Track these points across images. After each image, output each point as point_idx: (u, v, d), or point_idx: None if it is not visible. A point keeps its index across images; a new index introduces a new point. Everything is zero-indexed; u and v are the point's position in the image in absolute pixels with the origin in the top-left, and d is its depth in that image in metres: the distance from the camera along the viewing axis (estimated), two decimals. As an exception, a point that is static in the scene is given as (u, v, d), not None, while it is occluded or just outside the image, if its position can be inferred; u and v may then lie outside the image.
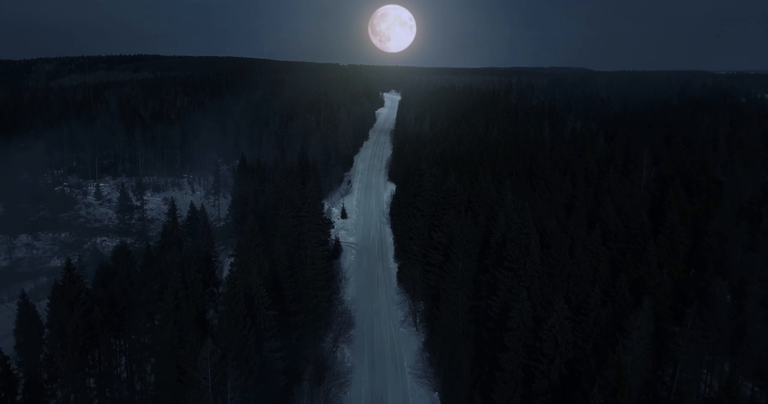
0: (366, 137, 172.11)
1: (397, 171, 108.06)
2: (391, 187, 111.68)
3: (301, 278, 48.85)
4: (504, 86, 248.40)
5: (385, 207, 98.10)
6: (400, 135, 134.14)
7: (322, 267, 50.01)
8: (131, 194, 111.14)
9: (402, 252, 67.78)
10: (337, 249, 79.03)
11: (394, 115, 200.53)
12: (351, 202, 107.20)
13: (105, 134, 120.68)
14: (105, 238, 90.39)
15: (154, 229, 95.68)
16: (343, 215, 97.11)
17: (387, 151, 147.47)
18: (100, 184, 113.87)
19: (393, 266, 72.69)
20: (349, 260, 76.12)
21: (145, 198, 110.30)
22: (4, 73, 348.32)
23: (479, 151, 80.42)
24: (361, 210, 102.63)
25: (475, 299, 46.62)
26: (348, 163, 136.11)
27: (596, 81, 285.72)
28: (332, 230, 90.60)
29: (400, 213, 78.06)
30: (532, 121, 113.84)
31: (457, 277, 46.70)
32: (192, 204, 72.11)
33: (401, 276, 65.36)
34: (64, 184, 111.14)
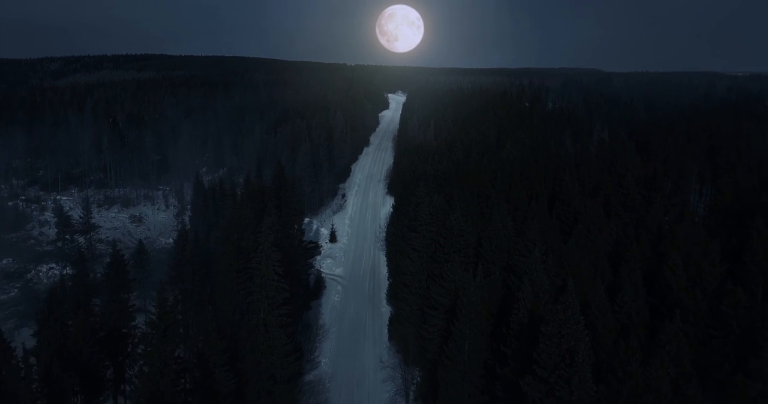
0: (367, 143, 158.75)
1: (396, 184, 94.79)
2: (391, 201, 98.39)
3: (247, 358, 35.71)
4: (516, 88, 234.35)
5: (382, 226, 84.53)
6: (401, 143, 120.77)
7: (279, 338, 36.72)
8: (93, 210, 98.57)
9: (394, 299, 54.47)
10: (318, 286, 65.87)
11: (398, 118, 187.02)
12: (343, 221, 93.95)
13: (69, 140, 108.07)
14: (54, 266, 77.70)
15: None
16: (332, 238, 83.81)
17: (389, 159, 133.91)
18: (63, 198, 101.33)
19: (386, 310, 59.33)
20: (331, 301, 62.84)
21: (112, 214, 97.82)
22: (9, 71, 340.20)
23: (491, 169, 66.90)
24: (354, 230, 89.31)
25: (486, 394, 33.28)
26: (344, 173, 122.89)
27: (612, 82, 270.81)
28: (317, 258, 77.60)
29: (394, 242, 64.72)
30: (551, 129, 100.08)
31: (462, 361, 33.39)
32: (140, 243, 59.00)
33: (393, 331, 52.01)
34: (21, 197, 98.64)
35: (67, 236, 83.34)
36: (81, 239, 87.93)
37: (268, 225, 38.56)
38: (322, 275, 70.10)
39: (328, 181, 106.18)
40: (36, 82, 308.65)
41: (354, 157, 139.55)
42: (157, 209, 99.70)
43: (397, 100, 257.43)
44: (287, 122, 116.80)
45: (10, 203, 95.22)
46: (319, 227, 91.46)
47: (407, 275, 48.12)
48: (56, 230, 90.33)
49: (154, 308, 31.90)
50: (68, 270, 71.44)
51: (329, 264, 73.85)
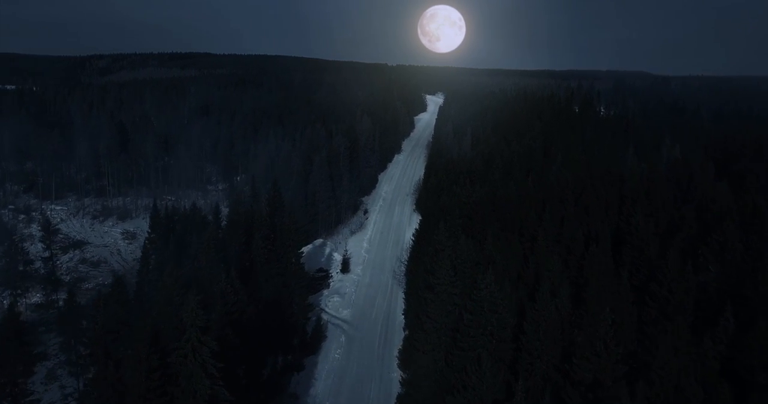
0: (398, 149, 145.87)
1: (424, 202, 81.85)
2: (418, 221, 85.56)
3: None
4: (563, 90, 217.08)
5: (404, 254, 71.64)
6: (433, 154, 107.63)
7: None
8: (87, 222, 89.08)
9: (408, 363, 41.68)
10: (317, 335, 53.57)
11: (435, 122, 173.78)
12: (360, 244, 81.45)
13: (72, 143, 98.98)
14: (28, 291, 67.77)
15: (95, 278, 72.76)
16: (345, 267, 71.34)
17: (420, 168, 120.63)
18: (57, 207, 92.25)
19: (396, 376, 46.55)
20: (330, 358, 50.42)
21: (105, 228, 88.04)
22: (60, 69, 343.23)
23: (538, 196, 53.32)
24: (372, 257, 76.71)
25: None
26: (369, 185, 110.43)
27: (669, 87, 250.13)
28: (323, 293, 65.44)
29: (414, 281, 51.87)
30: (608, 141, 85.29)
31: None
32: (118, 280, 47.50)
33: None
34: (9, 206, 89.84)
35: (46, 254, 73.42)
36: (66, 257, 78.49)
37: (194, 304, 26.18)
38: (324, 319, 57.88)
39: (349, 195, 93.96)
40: (84, 79, 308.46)
41: (383, 165, 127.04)
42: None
43: (436, 102, 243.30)
44: (307, 127, 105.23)
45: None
46: (332, 251, 79.34)
47: (419, 350, 35.35)
48: (41, 246, 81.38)
49: None
50: (27, 299, 61.58)
51: (335, 303, 61.47)
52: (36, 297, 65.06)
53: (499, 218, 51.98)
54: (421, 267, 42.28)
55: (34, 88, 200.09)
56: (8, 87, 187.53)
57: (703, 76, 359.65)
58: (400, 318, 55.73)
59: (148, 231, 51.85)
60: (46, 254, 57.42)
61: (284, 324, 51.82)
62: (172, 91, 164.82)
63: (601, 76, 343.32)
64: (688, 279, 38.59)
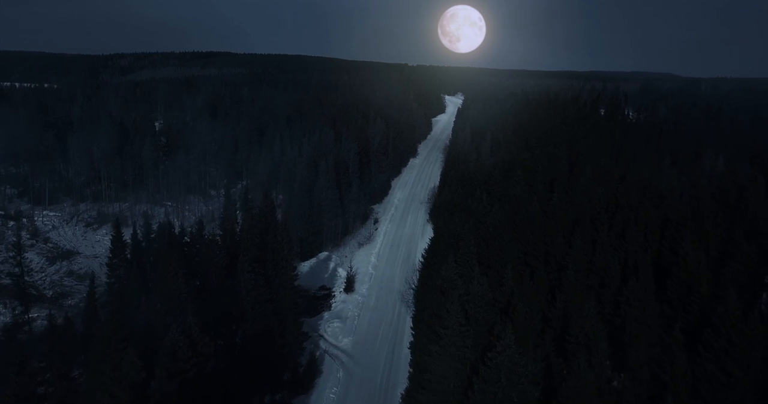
0: (414, 153, 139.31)
1: (437, 216, 75.30)
2: (431, 231, 78.98)
3: None
4: (587, 92, 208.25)
5: (415, 271, 65.14)
6: (449, 160, 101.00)
7: None
8: (80, 230, 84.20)
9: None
10: (311, 371, 47.35)
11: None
12: (368, 258, 75.20)
13: (69, 142, 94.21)
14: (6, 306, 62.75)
15: (80, 293, 67.38)
16: (349, 286, 65.04)
17: (436, 174, 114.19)
18: (50, 213, 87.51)
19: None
20: (325, 399, 44.18)
21: (98, 237, 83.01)
22: (83, 67, 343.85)
23: (565, 218, 46.50)
24: (380, 274, 70.35)
25: None
26: (381, 191, 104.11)
27: (700, 89, 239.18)
28: (323, 316, 59.29)
29: (420, 316, 45.40)
30: (641, 151, 77.79)
31: None
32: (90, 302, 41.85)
33: None
34: (0, 212, 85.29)
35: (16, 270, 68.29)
36: (52, 269, 73.54)
37: (129, 366, 20.05)
38: (322, 348, 51.75)
39: (357, 204, 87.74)
40: (106, 78, 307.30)
41: (396, 170, 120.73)
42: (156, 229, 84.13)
43: (455, 103, 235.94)
44: (316, 131, 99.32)
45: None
46: (337, 266, 73.22)
47: (425, 389, 28.91)
48: (46, 256, 76.81)
49: None
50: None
51: (335, 330, 55.21)
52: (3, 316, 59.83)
53: (521, 241, 45.32)
54: (428, 307, 35.78)
55: (48, 86, 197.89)
56: (17, 85, 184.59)
57: (733, 78, 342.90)
58: (407, 352, 49.26)
59: (108, 257, 45.98)
60: (16, 270, 51.96)
61: (273, 356, 45.83)
62: (182, 91, 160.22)
63: (626, 78, 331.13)
64: (752, 328, 31.69)
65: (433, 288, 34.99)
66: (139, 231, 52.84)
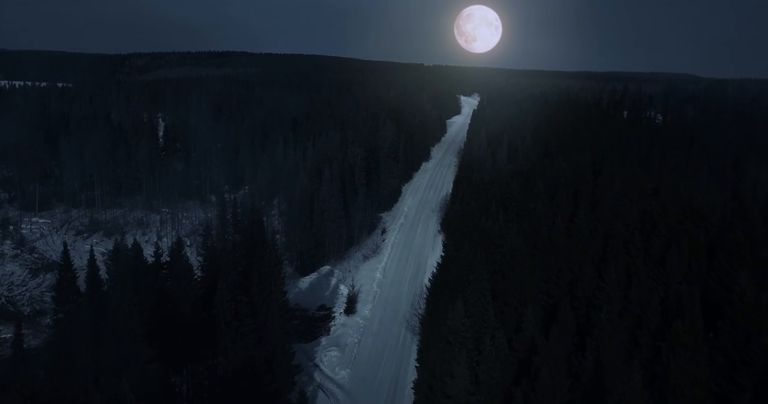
0: (427, 157, 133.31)
1: (450, 227, 69.32)
2: (441, 242, 73.01)
3: None
4: (608, 94, 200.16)
5: (424, 289, 59.06)
6: (463, 167, 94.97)
7: None
8: (70, 238, 79.54)
9: None
10: (301, 411, 41.71)
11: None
12: (373, 274, 69.47)
13: (61, 146, 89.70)
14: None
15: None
16: (350, 307, 59.33)
17: (449, 179, 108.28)
18: (40, 220, 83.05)
19: None
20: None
21: (88, 246, 78.13)
22: (100, 67, 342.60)
23: (593, 242, 40.38)
24: (385, 292, 64.61)
25: None
26: (391, 198, 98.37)
27: (726, 91, 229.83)
28: (321, 341, 53.68)
29: (430, 340, 39.57)
30: (672, 159, 71.13)
31: None
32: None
33: None
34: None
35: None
36: (33, 283, 68.88)
37: None
38: (317, 381, 46.17)
39: (364, 212, 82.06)
40: (123, 77, 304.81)
41: (408, 174, 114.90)
42: (146, 241, 79.15)
43: (471, 104, 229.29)
44: (322, 134, 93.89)
45: (-31, 226, 77.76)
46: (339, 282, 67.65)
47: None
48: (29, 268, 72.36)
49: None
50: None
51: (332, 359, 49.53)
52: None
53: (542, 267, 39.30)
54: (431, 355, 30.00)
55: (63, 85, 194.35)
56: (16, 84, 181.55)
57: (759, 79, 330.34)
58: (410, 392, 43.36)
59: (53, 292, 40.49)
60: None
61: (258, 396, 40.32)
62: (189, 91, 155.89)
63: (646, 79, 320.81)
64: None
65: (438, 336, 29.25)
66: (104, 252, 47.56)
